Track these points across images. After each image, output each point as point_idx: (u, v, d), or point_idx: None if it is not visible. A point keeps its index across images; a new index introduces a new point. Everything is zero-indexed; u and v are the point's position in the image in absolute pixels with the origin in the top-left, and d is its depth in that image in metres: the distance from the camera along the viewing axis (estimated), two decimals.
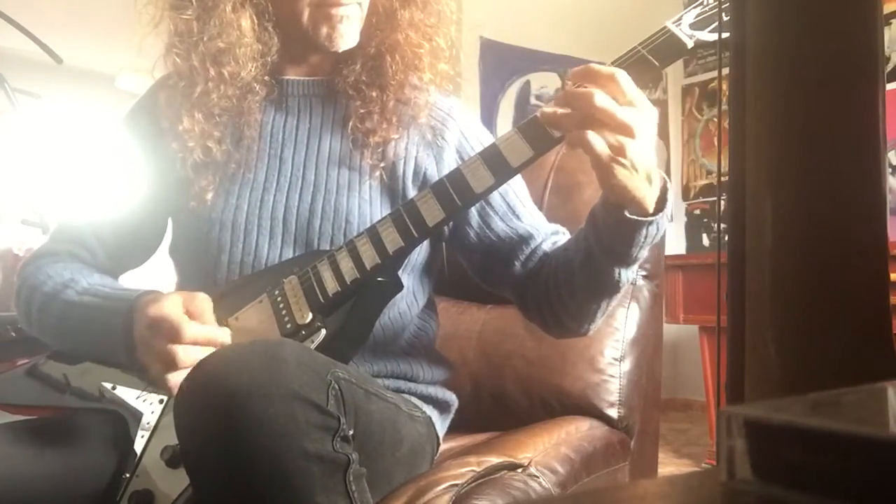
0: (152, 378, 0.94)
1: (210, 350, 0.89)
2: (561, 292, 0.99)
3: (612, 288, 0.96)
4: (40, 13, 2.67)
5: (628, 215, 0.86)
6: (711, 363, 3.08)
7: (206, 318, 0.94)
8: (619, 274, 0.93)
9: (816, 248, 0.51)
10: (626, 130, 0.80)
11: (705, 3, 0.90)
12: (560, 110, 0.83)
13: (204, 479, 0.76)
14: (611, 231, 0.89)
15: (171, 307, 0.92)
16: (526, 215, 1.08)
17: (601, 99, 0.80)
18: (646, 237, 0.89)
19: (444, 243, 1.14)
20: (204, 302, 0.95)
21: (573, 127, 0.82)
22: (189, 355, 0.89)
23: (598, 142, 0.80)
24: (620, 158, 0.81)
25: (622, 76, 0.82)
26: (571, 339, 1.19)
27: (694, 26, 0.90)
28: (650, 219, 0.87)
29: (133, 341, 0.94)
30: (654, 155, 0.84)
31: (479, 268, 1.10)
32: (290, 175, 1.05)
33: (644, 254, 0.92)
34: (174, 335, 0.90)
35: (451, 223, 1.07)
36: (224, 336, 0.94)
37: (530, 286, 1.04)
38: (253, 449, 0.70)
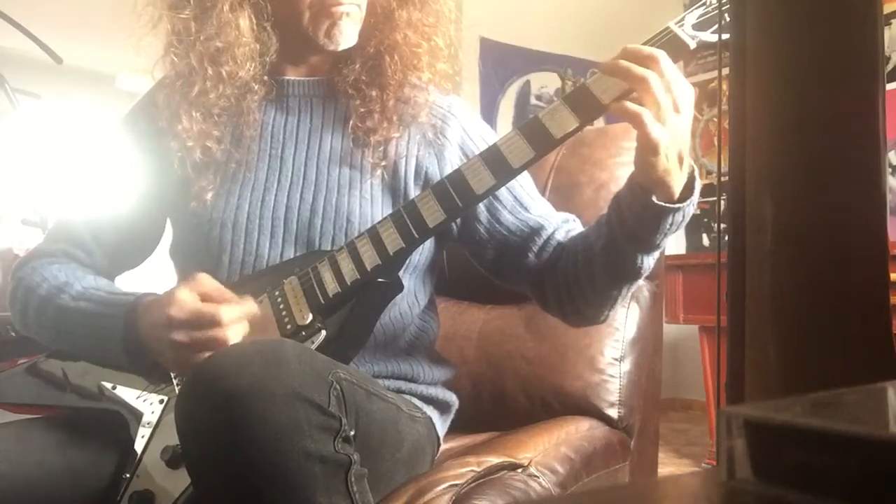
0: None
1: (245, 325, 0.90)
2: (580, 279, 0.99)
3: (633, 274, 0.96)
4: (40, 13, 2.66)
5: (655, 201, 0.86)
6: (711, 363, 3.08)
7: (223, 293, 0.92)
8: (641, 260, 0.93)
9: (816, 248, 0.51)
10: (674, 105, 0.83)
11: (707, 3, 0.90)
12: (624, 62, 0.84)
13: (205, 479, 0.76)
14: (636, 216, 0.89)
15: (190, 299, 0.90)
16: (534, 206, 1.08)
17: (654, 79, 0.83)
18: (671, 224, 0.89)
19: (448, 243, 1.13)
20: (210, 280, 0.93)
21: (631, 84, 0.84)
22: (236, 334, 0.88)
23: (647, 113, 0.82)
24: (662, 130, 0.83)
25: (663, 57, 0.84)
26: (572, 338, 1.19)
27: (696, 27, 0.90)
28: (677, 205, 0.87)
29: (136, 345, 0.94)
30: (688, 137, 0.86)
31: (492, 263, 1.10)
32: (291, 174, 1.05)
33: (667, 241, 0.93)
34: (214, 322, 0.88)
35: (459, 221, 1.07)
36: (252, 306, 0.92)
37: (547, 276, 1.04)
38: (254, 449, 0.71)
